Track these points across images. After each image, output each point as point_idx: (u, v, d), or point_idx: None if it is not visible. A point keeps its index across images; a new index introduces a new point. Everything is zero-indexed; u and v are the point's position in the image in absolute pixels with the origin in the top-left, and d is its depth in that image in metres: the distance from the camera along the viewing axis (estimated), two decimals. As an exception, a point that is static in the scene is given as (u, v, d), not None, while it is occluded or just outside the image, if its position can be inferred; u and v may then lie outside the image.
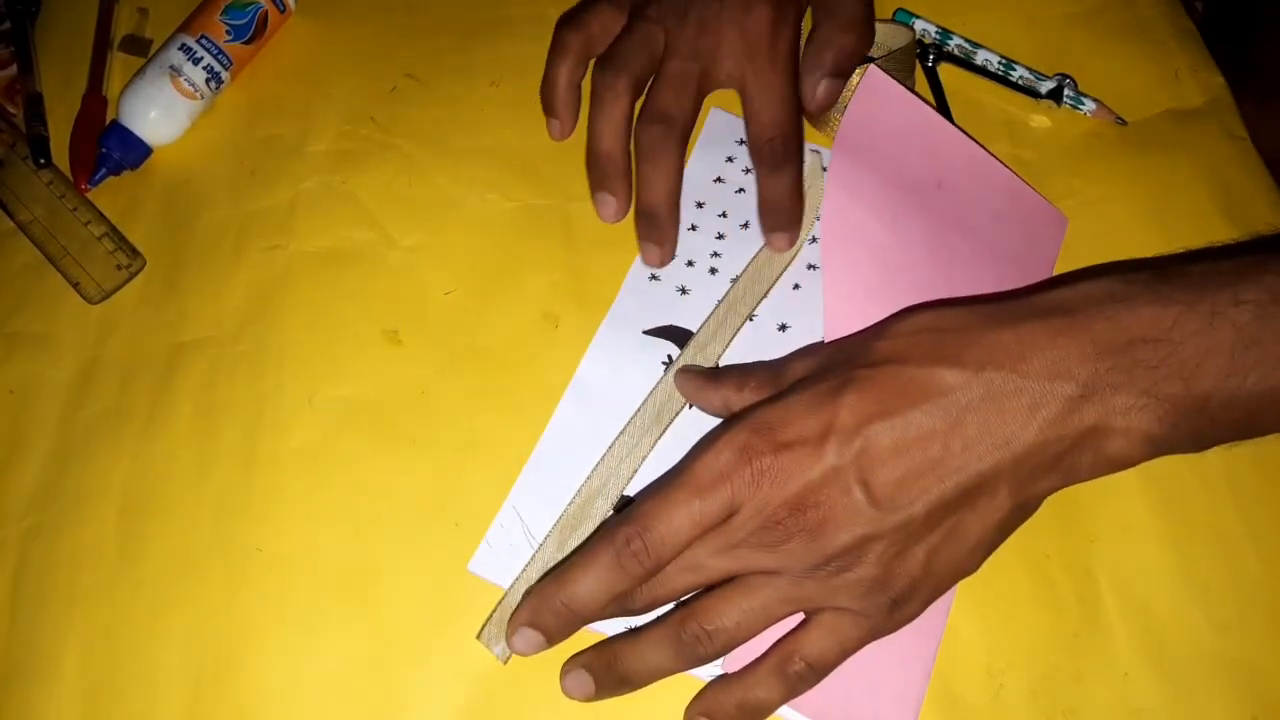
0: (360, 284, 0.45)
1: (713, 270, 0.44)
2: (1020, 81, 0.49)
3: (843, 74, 0.44)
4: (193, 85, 0.48)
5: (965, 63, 0.50)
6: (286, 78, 0.52)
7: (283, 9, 0.52)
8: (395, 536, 0.40)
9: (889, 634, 0.34)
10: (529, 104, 0.49)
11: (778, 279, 0.43)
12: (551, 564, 0.37)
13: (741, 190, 0.46)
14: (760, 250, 0.44)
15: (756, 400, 0.36)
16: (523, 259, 0.45)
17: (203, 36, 0.49)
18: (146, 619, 0.39)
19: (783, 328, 0.43)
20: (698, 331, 0.42)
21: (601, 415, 0.41)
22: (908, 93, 0.44)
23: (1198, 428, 0.32)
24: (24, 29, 0.52)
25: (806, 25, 0.46)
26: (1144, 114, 0.48)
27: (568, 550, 0.37)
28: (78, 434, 0.42)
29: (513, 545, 0.39)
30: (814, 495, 0.32)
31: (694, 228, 0.45)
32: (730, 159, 0.47)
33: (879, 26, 0.48)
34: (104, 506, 0.41)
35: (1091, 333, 0.31)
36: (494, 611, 0.37)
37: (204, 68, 0.49)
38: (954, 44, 0.50)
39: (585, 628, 0.35)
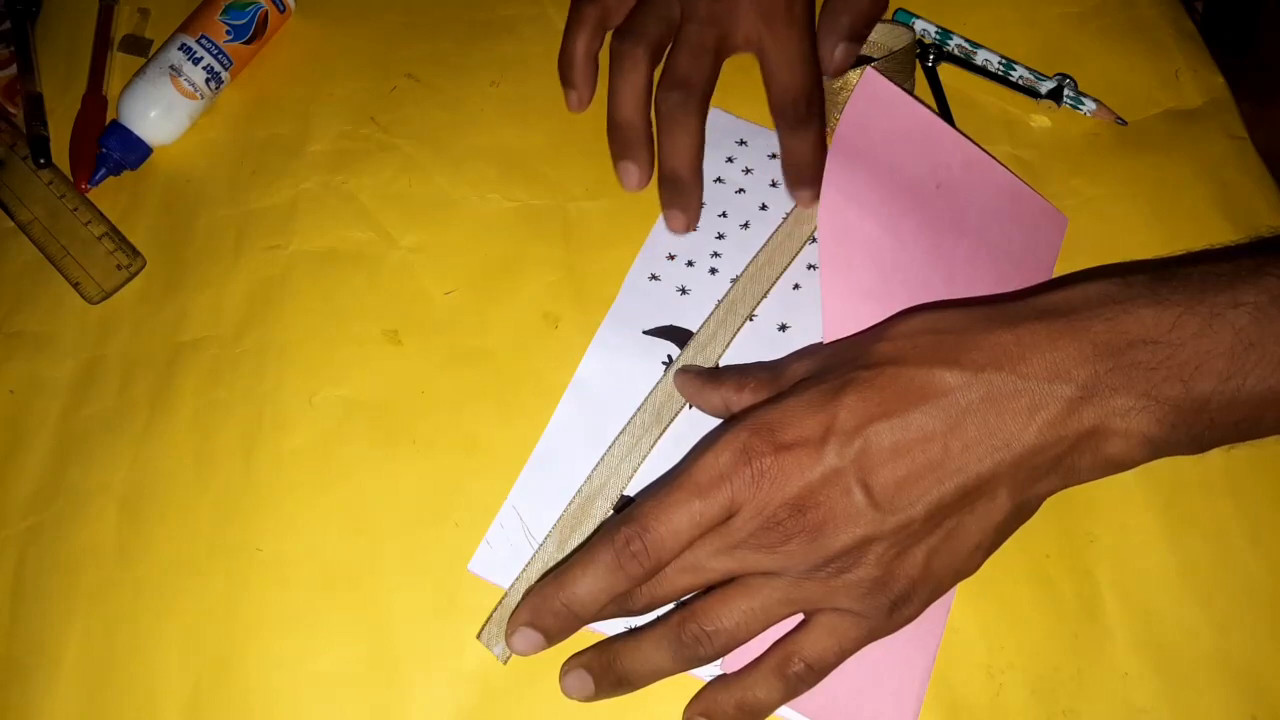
0: (360, 284, 0.45)
1: (713, 270, 0.44)
2: (1020, 81, 0.49)
3: (859, 37, 0.45)
4: (193, 85, 0.48)
5: (965, 63, 0.50)
6: (286, 78, 0.52)
7: (283, 9, 0.52)
8: (395, 536, 0.40)
9: (888, 634, 0.34)
10: (529, 104, 0.49)
11: (778, 279, 0.43)
12: (551, 564, 0.37)
13: (741, 190, 0.46)
14: (760, 251, 0.44)
15: (756, 401, 0.37)
16: (523, 259, 0.45)
17: (203, 36, 0.49)
18: (146, 619, 0.39)
19: (783, 328, 0.43)
20: (697, 331, 0.42)
21: (601, 415, 0.41)
22: (905, 95, 0.44)
23: (1197, 429, 0.32)
24: (24, 29, 0.52)
25: None
26: (1144, 114, 0.48)
27: (568, 550, 0.37)
28: (78, 434, 0.42)
29: (513, 545, 0.39)
30: (814, 496, 0.32)
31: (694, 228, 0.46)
32: (730, 159, 0.47)
33: (879, 27, 0.48)
34: (104, 506, 0.41)
35: (1091, 334, 0.31)
36: (494, 611, 0.37)
37: (204, 68, 0.49)
38: (954, 44, 0.50)
39: (585, 628, 0.35)
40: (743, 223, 0.45)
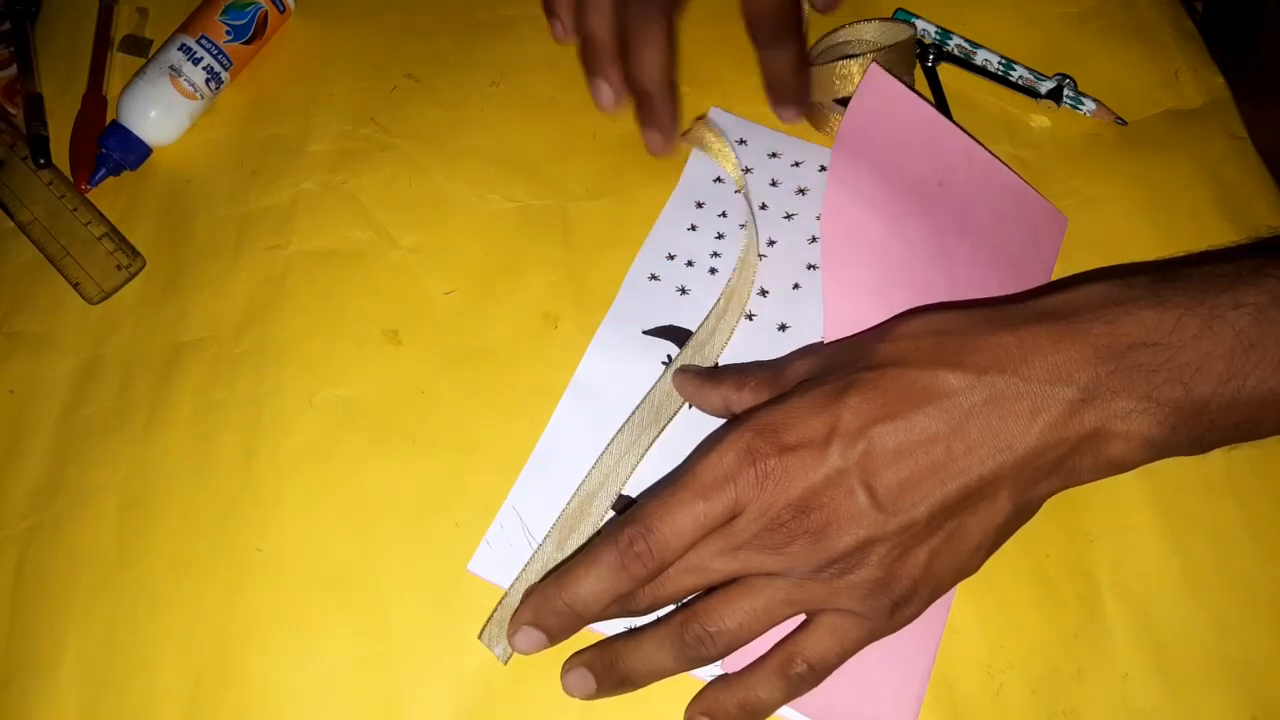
0: (360, 284, 0.45)
1: (712, 270, 0.44)
2: (1020, 81, 0.49)
3: None
4: (193, 85, 0.48)
5: (965, 63, 0.50)
6: (286, 78, 0.52)
7: (282, 9, 0.52)
8: (395, 536, 0.40)
9: (889, 634, 0.34)
10: (529, 104, 0.49)
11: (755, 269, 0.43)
12: (551, 564, 0.37)
13: (741, 190, 0.46)
14: (744, 242, 0.44)
15: (757, 400, 0.37)
16: (523, 259, 0.45)
17: (203, 37, 0.49)
18: (146, 619, 0.39)
19: (782, 327, 0.43)
20: (696, 330, 0.42)
21: (601, 415, 0.41)
22: (909, 91, 0.44)
23: (1197, 431, 0.32)
24: (24, 29, 0.52)
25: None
26: (1144, 114, 0.48)
27: (567, 550, 0.37)
28: (78, 434, 0.42)
29: (512, 545, 0.39)
30: (818, 497, 0.32)
31: (694, 228, 0.45)
32: (730, 159, 0.47)
33: (878, 25, 0.48)
34: (104, 506, 0.41)
35: (1092, 337, 0.31)
36: (495, 611, 0.37)
37: (204, 68, 0.49)
38: (954, 44, 0.50)
39: (585, 628, 0.35)
40: (743, 223, 0.45)
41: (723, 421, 0.40)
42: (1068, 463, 0.32)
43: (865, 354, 0.34)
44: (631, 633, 0.35)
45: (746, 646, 0.34)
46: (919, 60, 0.50)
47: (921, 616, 0.34)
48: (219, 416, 0.42)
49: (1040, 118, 0.49)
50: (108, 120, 0.50)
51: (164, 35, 0.50)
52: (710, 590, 0.34)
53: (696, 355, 0.41)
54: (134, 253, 0.46)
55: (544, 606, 0.34)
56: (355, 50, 0.52)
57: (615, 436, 0.40)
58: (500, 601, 0.37)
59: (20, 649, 0.38)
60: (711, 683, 0.35)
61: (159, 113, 0.48)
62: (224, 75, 0.50)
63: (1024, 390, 0.31)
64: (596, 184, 0.47)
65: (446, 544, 0.39)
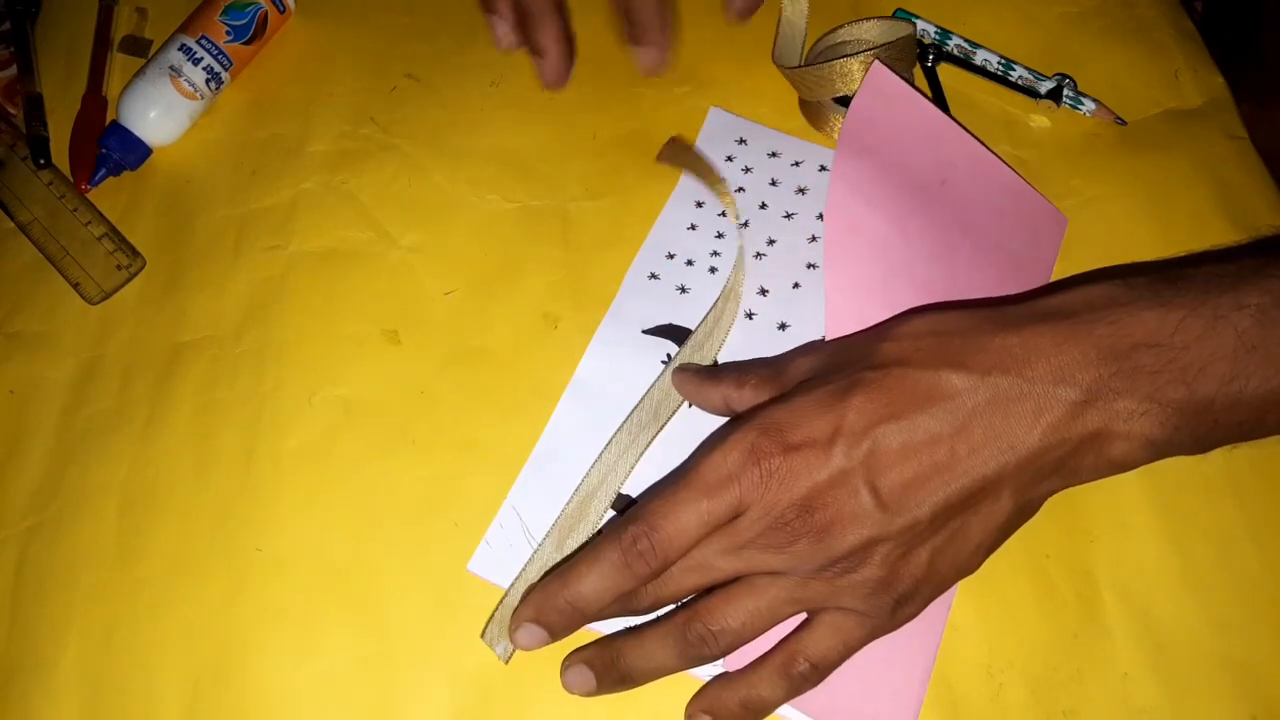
0: (360, 284, 0.45)
1: (712, 270, 0.44)
2: (1020, 81, 0.49)
3: None
4: (192, 86, 0.48)
5: (965, 63, 0.50)
6: (286, 78, 0.52)
7: (282, 9, 0.52)
8: (395, 536, 0.40)
9: (890, 632, 0.34)
10: (529, 104, 0.49)
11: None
12: (550, 563, 0.37)
13: (741, 189, 0.46)
14: (739, 242, 0.44)
15: (758, 397, 0.37)
16: (523, 259, 0.45)
17: (202, 37, 0.49)
18: (146, 619, 0.39)
19: (782, 326, 0.43)
20: (696, 329, 0.42)
21: (601, 415, 0.41)
22: (911, 89, 0.44)
23: (1200, 431, 0.32)
24: (24, 29, 0.52)
25: None
26: (1143, 114, 0.48)
27: (567, 549, 0.37)
28: (78, 434, 0.42)
29: (512, 545, 0.39)
30: (822, 497, 0.32)
31: (693, 227, 0.46)
32: (730, 158, 0.47)
33: (878, 24, 0.48)
34: (104, 506, 0.41)
35: (1095, 337, 0.31)
36: (496, 611, 0.37)
37: (204, 68, 0.49)
38: (953, 44, 0.50)
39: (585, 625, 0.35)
40: (743, 222, 0.45)
41: (722, 420, 0.40)
42: (1070, 463, 0.32)
43: (868, 353, 0.34)
44: (633, 630, 0.35)
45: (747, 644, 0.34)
46: (919, 60, 0.50)
47: (922, 615, 0.34)
48: (219, 416, 0.42)
49: (1040, 118, 0.49)
50: (108, 120, 0.50)
51: (164, 35, 0.50)
52: (711, 588, 0.34)
53: (695, 354, 0.41)
54: (134, 253, 0.46)
55: (546, 604, 0.34)
56: (355, 50, 0.52)
57: (614, 435, 0.40)
58: (501, 601, 0.37)
59: (20, 649, 0.38)
60: (712, 681, 0.35)
61: (159, 113, 0.48)
62: (224, 75, 0.50)
63: (1027, 391, 0.31)
64: (596, 184, 0.47)
65: (446, 544, 0.39)
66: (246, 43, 0.50)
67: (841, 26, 0.48)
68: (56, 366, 0.44)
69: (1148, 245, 0.44)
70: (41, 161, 0.48)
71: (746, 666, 0.34)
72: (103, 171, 0.48)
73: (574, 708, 0.36)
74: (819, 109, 0.47)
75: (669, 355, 0.42)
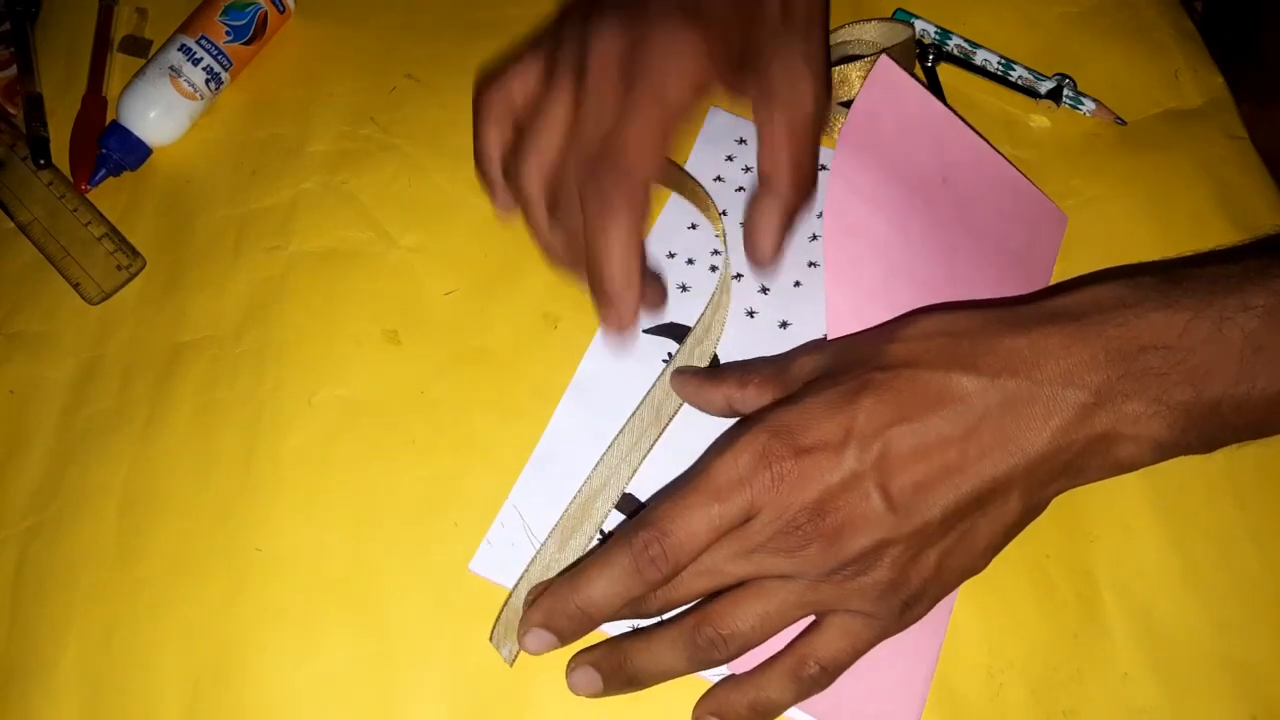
0: (360, 284, 0.45)
1: (713, 269, 0.44)
2: (1020, 81, 0.49)
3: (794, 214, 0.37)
4: (192, 86, 0.48)
5: (965, 63, 0.50)
6: (286, 78, 0.52)
7: (282, 10, 0.52)
8: (395, 536, 0.40)
9: (897, 633, 0.34)
10: (529, 104, 0.49)
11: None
12: (554, 564, 0.37)
13: (741, 189, 0.46)
14: (724, 271, 0.44)
15: (761, 396, 0.36)
16: (523, 259, 0.45)
17: (202, 37, 0.49)
18: (146, 619, 0.39)
19: (783, 325, 0.43)
20: (694, 326, 0.42)
21: (602, 414, 0.41)
22: (917, 85, 0.44)
23: (1207, 432, 0.32)
24: (24, 29, 0.52)
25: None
26: (1143, 114, 0.48)
27: (569, 550, 0.37)
28: (78, 434, 0.42)
29: (514, 545, 0.39)
30: (833, 500, 0.32)
31: (694, 226, 0.46)
32: (730, 158, 0.47)
33: (878, 25, 0.48)
34: (104, 506, 0.41)
35: (1103, 340, 0.32)
36: (501, 613, 0.37)
37: (204, 68, 0.49)
38: (953, 44, 0.50)
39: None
40: (743, 221, 0.45)
41: (725, 420, 0.40)
42: (1078, 464, 0.32)
43: (877, 353, 0.34)
44: (640, 632, 0.35)
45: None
46: (919, 60, 0.50)
47: (925, 616, 0.34)
48: (219, 416, 0.42)
49: (1040, 118, 0.49)
50: (108, 120, 0.50)
51: (164, 35, 0.50)
52: (719, 590, 0.34)
53: (696, 349, 0.41)
54: (134, 253, 0.46)
55: (556, 609, 0.34)
56: (355, 50, 0.52)
57: (617, 438, 0.40)
58: (505, 603, 0.37)
59: (20, 649, 0.38)
60: (721, 683, 0.35)
61: (159, 113, 0.48)
62: (224, 76, 0.50)
63: (1036, 393, 0.31)
64: (596, 184, 0.47)
65: (446, 544, 0.39)
66: (246, 43, 0.50)
67: (842, 27, 0.48)
68: (56, 366, 0.44)
69: (1148, 245, 0.44)
70: (41, 162, 0.48)
71: (755, 669, 0.34)
72: (103, 171, 0.48)
73: (575, 707, 0.36)
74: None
75: (670, 354, 0.42)
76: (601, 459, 0.39)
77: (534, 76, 0.37)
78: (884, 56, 0.43)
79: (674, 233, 0.45)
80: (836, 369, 0.35)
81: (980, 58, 0.49)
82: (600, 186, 0.33)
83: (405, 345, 0.44)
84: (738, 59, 0.35)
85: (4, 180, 0.48)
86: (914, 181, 0.42)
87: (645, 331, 0.43)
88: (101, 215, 0.47)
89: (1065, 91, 0.48)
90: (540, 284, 0.45)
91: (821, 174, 0.46)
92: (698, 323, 0.42)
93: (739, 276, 0.44)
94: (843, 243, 0.40)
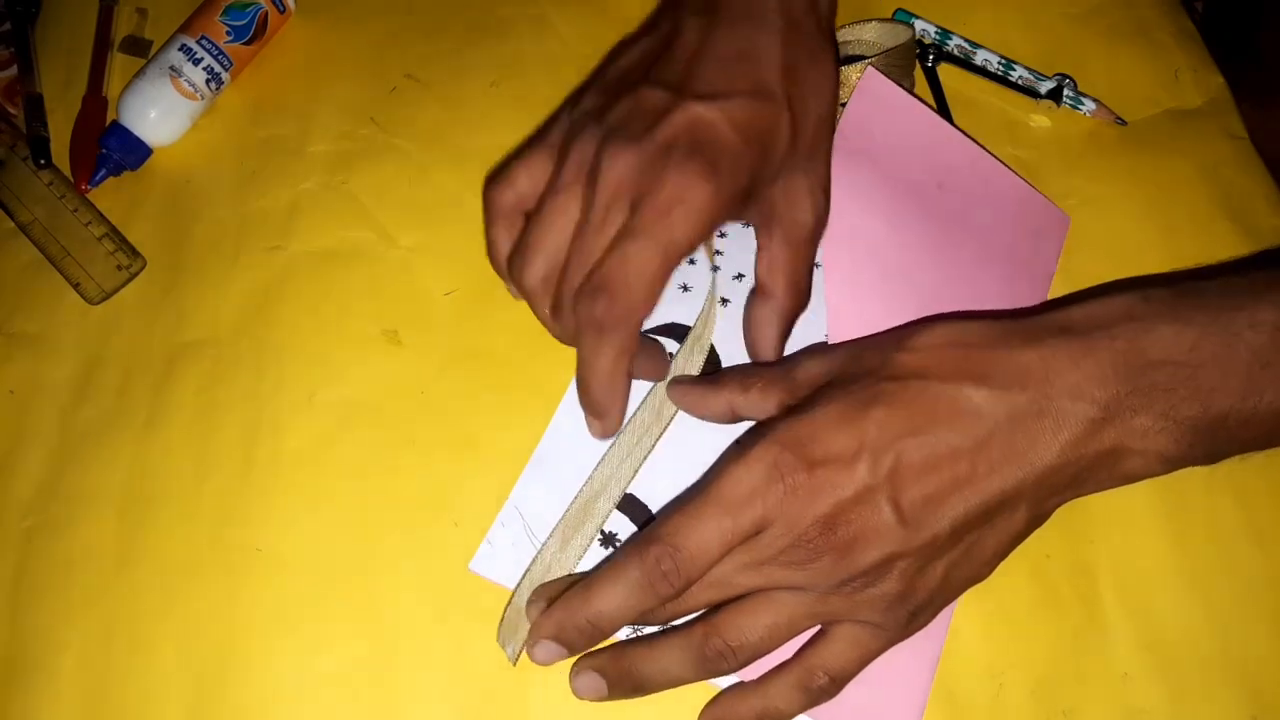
0: (360, 284, 0.45)
1: (715, 268, 0.44)
2: (1020, 81, 0.49)
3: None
4: (193, 86, 0.48)
5: (965, 63, 0.50)
6: (286, 78, 0.52)
7: (283, 10, 0.52)
8: (395, 536, 0.40)
9: (902, 641, 0.34)
10: (529, 104, 0.49)
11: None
12: (555, 564, 0.37)
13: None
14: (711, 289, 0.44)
15: (765, 402, 0.36)
16: (523, 259, 0.45)
17: (203, 37, 0.49)
18: (146, 619, 0.39)
19: (783, 327, 0.43)
20: (693, 325, 0.42)
21: (602, 415, 0.41)
22: (905, 94, 0.44)
23: (1213, 446, 0.32)
24: (24, 30, 0.52)
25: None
26: (1144, 114, 0.48)
27: (571, 549, 0.37)
28: (78, 434, 0.42)
29: (514, 545, 0.39)
30: (845, 514, 0.31)
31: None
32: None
33: (878, 25, 0.48)
34: (104, 506, 0.41)
35: (1112, 355, 0.32)
36: (505, 612, 0.37)
37: (204, 68, 0.49)
38: (954, 44, 0.50)
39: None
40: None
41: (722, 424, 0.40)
42: (1084, 477, 0.33)
43: (886, 362, 0.34)
44: (646, 639, 0.35)
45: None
46: (919, 60, 0.50)
47: None
48: (219, 416, 0.42)
49: (1040, 118, 0.49)
50: (108, 120, 0.50)
51: (164, 36, 0.50)
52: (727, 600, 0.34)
53: (695, 348, 0.41)
54: (134, 253, 0.46)
55: (566, 622, 0.34)
56: (355, 50, 0.52)
57: (618, 437, 0.40)
58: (509, 602, 0.37)
59: (20, 649, 0.38)
60: (728, 691, 0.35)
61: (159, 113, 0.48)
62: (224, 76, 0.50)
63: (1046, 408, 0.31)
64: (596, 184, 0.47)
65: (447, 544, 0.39)
66: (246, 43, 0.50)
67: (842, 27, 0.48)
68: (56, 366, 0.44)
69: (1148, 245, 0.44)
70: (42, 162, 0.48)
71: (762, 677, 0.34)
72: (103, 172, 0.48)
73: (576, 708, 0.36)
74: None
75: (670, 354, 0.42)
76: (603, 459, 0.39)
77: (542, 175, 0.37)
78: (870, 68, 0.43)
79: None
80: (845, 376, 0.34)
81: (980, 58, 0.49)
82: (594, 310, 0.34)
83: (405, 345, 0.44)
84: (745, 195, 0.36)
85: (4, 180, 0.48)
86: (907, 187, 0.42)
87: (645, 331, 0.43)
88: (101, 215, 0.47)
89: (1065, 91, 0.48)
90: (540, 284, 0.45)
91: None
92: (696, 322, 0.42)
93: (740, 276, 0.44)
94: (841, 246, 0.41)
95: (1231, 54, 0.52)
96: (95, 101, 0.50)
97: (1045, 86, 0.48)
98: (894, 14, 0.51)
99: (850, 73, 0.45)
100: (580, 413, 0.41)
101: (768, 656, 0.34)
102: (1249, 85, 0.50)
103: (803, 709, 0.34)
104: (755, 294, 0.39)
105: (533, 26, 0.52)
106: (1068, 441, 0.31)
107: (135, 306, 0.46)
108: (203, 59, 0.49)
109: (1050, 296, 0.44)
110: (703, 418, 0.39)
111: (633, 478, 0.39)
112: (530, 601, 0.36)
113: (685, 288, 0.44)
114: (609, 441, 0.40)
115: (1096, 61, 0.50)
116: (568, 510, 0.39)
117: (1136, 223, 0.45)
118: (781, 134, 0.36)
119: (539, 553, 0.38)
